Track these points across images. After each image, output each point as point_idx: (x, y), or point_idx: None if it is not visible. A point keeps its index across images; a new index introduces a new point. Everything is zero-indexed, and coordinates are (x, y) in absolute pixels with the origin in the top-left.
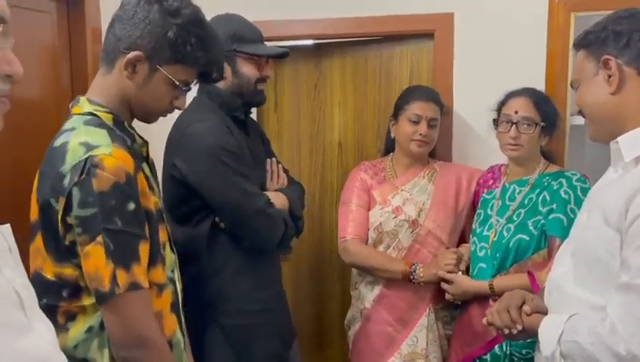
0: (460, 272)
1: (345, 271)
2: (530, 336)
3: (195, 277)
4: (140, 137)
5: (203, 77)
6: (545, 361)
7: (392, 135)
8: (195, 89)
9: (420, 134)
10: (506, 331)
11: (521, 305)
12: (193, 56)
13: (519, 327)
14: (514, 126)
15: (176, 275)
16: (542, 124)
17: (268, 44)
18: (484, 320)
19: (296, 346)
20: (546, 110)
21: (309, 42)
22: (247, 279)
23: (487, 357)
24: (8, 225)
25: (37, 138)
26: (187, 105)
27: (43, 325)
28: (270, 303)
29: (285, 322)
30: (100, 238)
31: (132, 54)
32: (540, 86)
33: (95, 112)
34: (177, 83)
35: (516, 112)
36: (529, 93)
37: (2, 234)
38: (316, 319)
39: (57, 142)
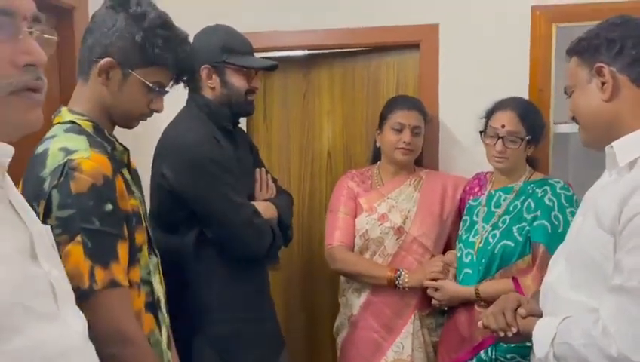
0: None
1: (334, 278)
2: (525, 339)
3: (182, 286)
4: (121, 145)
5: (177, 77)
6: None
7: (378, 144)
8: (183, 98)
9: (404, 142)
10: (502, 333)
11: (516, 308)
12: (161, 57)
13: (514, 330)
14: (500, 140)
15: (157, 278)
16: (527, 137)
17: (257, 54)
18: (480, 323)
19: (284, 355)
20: (531, 123)
21: (299, 53)
22: (233, 288)
23: None
24: (49, 227)
25: (25, 148)
26: (176, 115)
27: (75, 319)
28: (257, 312)
29: (273, 331)
30: (79, 238)
31: (104, 61)
32: (524, 95)
33: (75, 121)
34: (150, 85)
35: (503, 126)
36: (516, 106)
37: (47, 232)
38: (306, 326)
39: (39, 150)
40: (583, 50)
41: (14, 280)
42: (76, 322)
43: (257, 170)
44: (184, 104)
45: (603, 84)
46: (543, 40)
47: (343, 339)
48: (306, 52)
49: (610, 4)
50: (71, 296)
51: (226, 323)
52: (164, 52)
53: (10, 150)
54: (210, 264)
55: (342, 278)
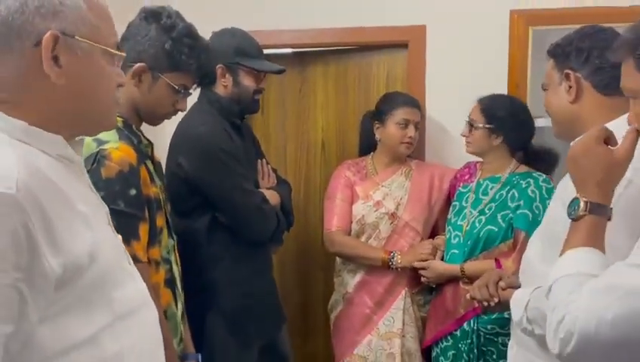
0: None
1: (328, 260)
2: (505, 308)
3: (196, 266)
4: (146, 138)
5: (200, 81)
6: (516, 326)
7: (377, 137)
8: (195, 95)
9: (410, 137)
10: (485, 303)
11: (498, 282)
12: (187, 63)
13: (496, 300)
14: (466, 125)
15: (174, 258)
16: (487, 126)
17: None
18: (468, 295)
19: (284, 330)
20: (490, 113)
21: (295, 50)
22: (242, 268)
23: (458, 332)
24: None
25: None
26: (188, 109)
27: (140, 276)
28: (263, 289)
29: (276, 306)
30: None
31: (137, 66)
32: (503, 91)
33: None
34: (177, 87)
35: (469, 115)
36: (482, 100)
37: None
38: (301, 305)
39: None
40: (558, 54)
41: (112, 246)
42: (142, 281)
43: (259, 161)
44: (196, 100)
45: (570, 87)
46: (520, 41)
47: (337, 314)
48: (302, 50)
49: (580, 10)
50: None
51: (235, 299)
52: (189, 59)
53: (83, 142)
54: (221, 246)
55: (338, 260)
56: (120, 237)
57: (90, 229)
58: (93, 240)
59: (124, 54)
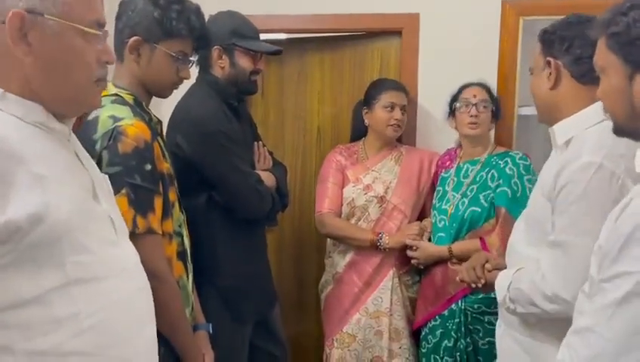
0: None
1: (321, 241)
2: (491, 289)
3: (193, 243)
4: (155, 116)
5: (198, 45)
6: (501, 306)
7: (367, 122)
8: (193, 77)
9: (396, 119)
10: (473, 285)
11: (484, 264)
12: (177, 28)
13: (482, 281)
14: (474, 107)
15: (185, 231)
16: (492, 107)
17: None
18: (458, 278)
19: (277, 308)
20: (493, 97)
21: (290, 36)
22: (237, 247)
23: (446, 311)
24: (107, 176)
25: None
26: (186, 92)
27: (129, 246)
28: (257, 268)
29: (269, 285)
30: (124, 190)
31: (132, 40)
32: (493, 80)
33: (119, 94)
34: (174, 55)
35: (475, 96)
36: (480, 83)
37: (106, 180)
38: (295, 285)
39: (91, 117)
40: (544, 41)
41: (78, 205)
42: (132, 250)
43: (256, 143)
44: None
45: (550, 74)
46: (510, 31)
47: (327, 294)
48: (299, 35)
49: (569, 1)
50: (126, 232)
51: (231, 277)
52: (179, 23)
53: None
54: (218, 224)
55: (329, 241)
56: (112, 209)
57: (43, 192)
58: (43, 204)
59: (98, 32)
